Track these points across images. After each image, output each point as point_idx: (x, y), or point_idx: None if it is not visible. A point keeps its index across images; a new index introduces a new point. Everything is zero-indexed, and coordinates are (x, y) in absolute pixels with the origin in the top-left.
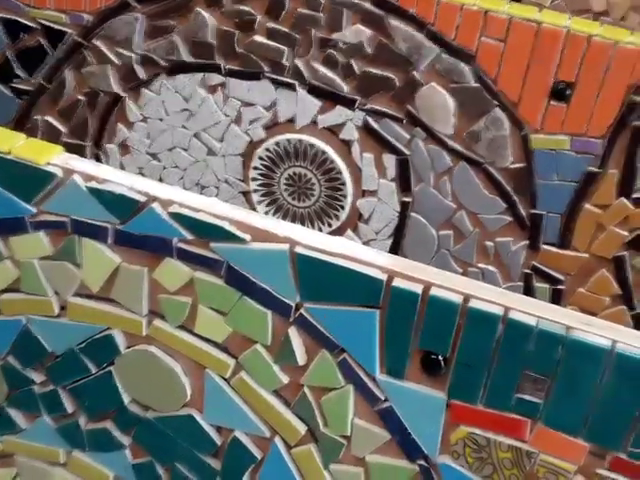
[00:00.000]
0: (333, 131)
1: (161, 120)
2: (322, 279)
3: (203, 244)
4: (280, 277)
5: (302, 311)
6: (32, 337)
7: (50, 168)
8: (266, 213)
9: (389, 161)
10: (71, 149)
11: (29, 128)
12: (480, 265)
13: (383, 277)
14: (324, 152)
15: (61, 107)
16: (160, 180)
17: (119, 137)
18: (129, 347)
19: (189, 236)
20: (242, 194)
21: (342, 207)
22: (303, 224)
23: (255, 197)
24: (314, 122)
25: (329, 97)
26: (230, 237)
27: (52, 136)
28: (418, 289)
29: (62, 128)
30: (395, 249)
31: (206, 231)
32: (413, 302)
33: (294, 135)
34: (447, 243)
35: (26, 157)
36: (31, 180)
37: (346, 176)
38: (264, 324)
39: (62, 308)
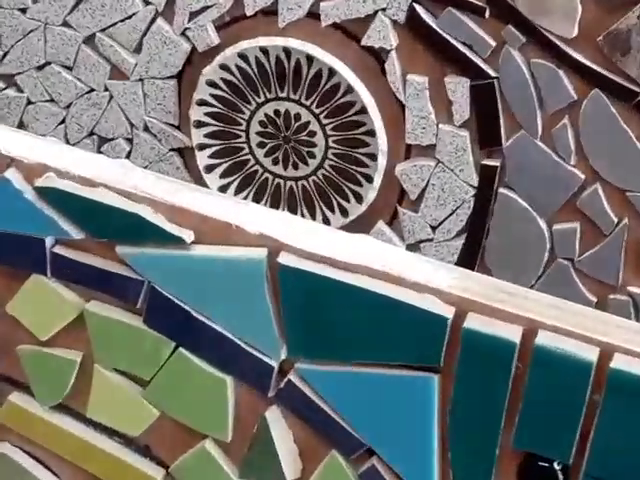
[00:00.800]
0: (349, 31)
1: (22, 12)
2: (329, 314)
3: (103, 249)
4: (251, 311)
5: (291, 376)
6: None
7: None
8: (222, 189)
9: (458, 90)
10: None
11: None
12: (631, 289)
13: (447, 314)
14: (332, 72)
15: None
16: (21, 127)
17: None
18: None
19: (75, 233)
20: (177, 152)
21: (367, 178)
22: (294, 211)
23: (203, 158)
24: (313, 14)
25: None
26: (155, 235)
27: None
28: (515, 336)
29: None
30: (469, 257)
31: (109, 224)
32: (505, 361)
33: (275, 40)
34: (568, 246)
35: None
36: None
37: (375, 118)
38: (220, 401)
39: None
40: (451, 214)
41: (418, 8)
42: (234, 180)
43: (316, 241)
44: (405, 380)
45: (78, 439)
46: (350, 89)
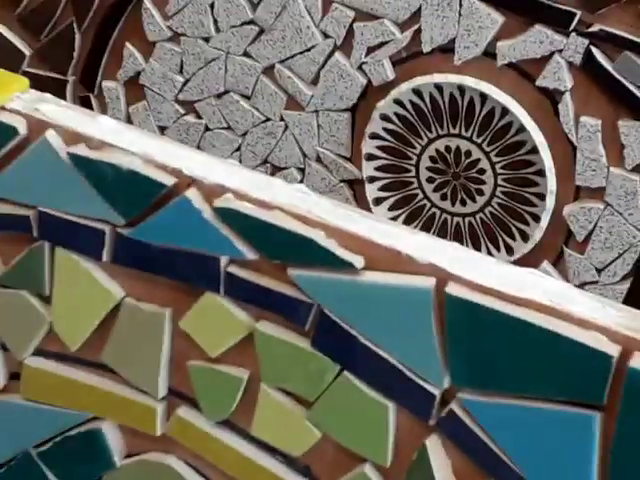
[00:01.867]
0: (525, 72)
1: (206, 40)
2: (494, 346)
3: (275, 270)
4: (416, 338)
5: (453, 405)
6: None
7: (4, 117)
8: (393, 220)
9: (631, 133)
10: (41, 85)
11: None
12: None
13: (613, 352)
14: (505, 111)
15: (24, 10)
16: (198, 149)
17: (127, 69)
18: (130, 456)
19: (249, 253)
20: (347, 184)
21: (534, 217)
22: (461, 243)
23: (372, 191)
24: (488, 53)
25: (521, 9)
26: (326, 259)
27: (7, 61)
28: None
29: (25, 49)
30: (635, 301)
31: (282, 246)
32: None
33: (450, 77)
34: None
35: None
36: None
37: (545, 158)
38: (381, 426)
39: (12, 377)
40: (618, 257)
41: (595, 51)
42: (402, 213)
43: (484, 273)
44: (567, 416)
45: (241, 456)
46: (522, 128)
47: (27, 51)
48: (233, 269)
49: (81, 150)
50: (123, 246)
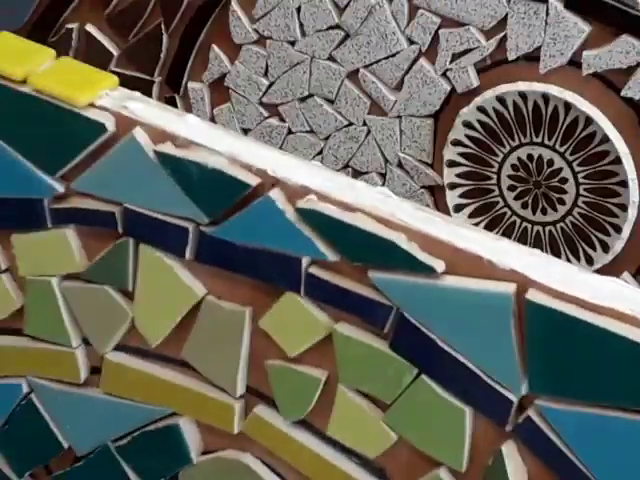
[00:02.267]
0: (610, 81)
1: (291, 44)
2: (573, 354)
3: (355, 272)
4: (495, 344)
5: (530, 412)
6: (36, 418)
7: (93, 114)
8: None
9: None
10: (128, 85)
11: (56, 42)
12: None
13: None
14: (589, 120)
15: (113, 10)
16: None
17: (212, 71)
18: (207, 453)
19: (331, 255)
20: (427, 190)
21: (616, 228)
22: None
23: (453, 197)
24: (574, 62)
25: (608, 18)
26: (407, 263)
27: (95, 60)
28: None
29: (113, 49)
30: None
31: (363, 248)
32: None
33: (534, 86)
34: None
35: (53, 92)
36: (59, 134)
37: (629, 169)
38: (458, 431)
39: (93, 371)
40: None
41: None
42: (482, 221)
43: (565, 280)
44: None
45: (317, 456)
46: (606, 138)
47: (115, 51)
48: (314, 270)
49: (168, 148)
50: (206, 244)
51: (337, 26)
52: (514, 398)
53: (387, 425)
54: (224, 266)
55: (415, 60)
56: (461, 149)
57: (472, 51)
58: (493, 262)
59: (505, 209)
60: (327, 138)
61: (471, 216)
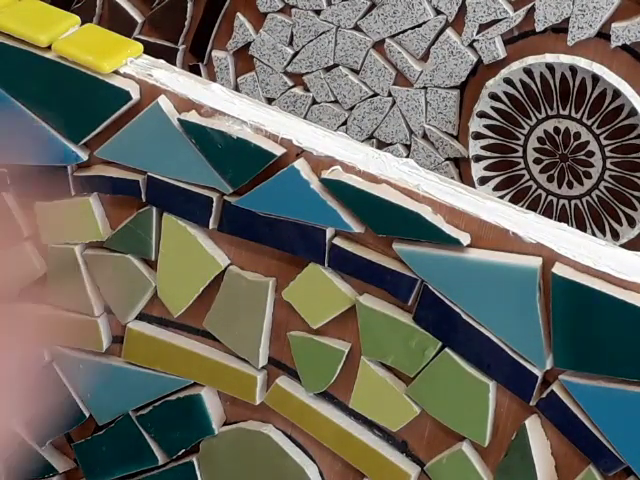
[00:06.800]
0: (639, 54)
1: (317, 13)
2: (599, 329)
3: (380, 244)
4: (520, 318)
5: (554, 387)
6: (58, 387)
7: (117, 81)
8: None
9: None
10: (152, 53)
11: (80, 9)
12: None
13: None
14: (617, 93)
15: None
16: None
17: (237, 39)
18: (228, 424)
19: (355, 226)
20: (452, 162)
21: None
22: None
23: (478, 170)
24: (602, 34)
25: None
26: (432, 235)
27: (119, 27)
28: None
29: (137, 16)
30: None
31: (388, 220)
32: None
33: (562, 57)
34: None
35: (78, 59)
36: (83, 101)
37: None
38: (481, 405)
39: (115, 340)
40: None
41: None
42: (507, 194)
43: (591, 255)
44: None
45: (339, 428)
46: (634, 112)
47: (139, 18)
48: (338, 241)
49: (192, 117)
50: (230, 214)
51: None
52: (538, 373)
53: (410, 398)
54: (247, 236)
55: (442, 30)
56: (487, 121)
57: (499, 22)
58: (519, 235)
59: (530, 182)
60: (352, 109)
61: (496, 189)
